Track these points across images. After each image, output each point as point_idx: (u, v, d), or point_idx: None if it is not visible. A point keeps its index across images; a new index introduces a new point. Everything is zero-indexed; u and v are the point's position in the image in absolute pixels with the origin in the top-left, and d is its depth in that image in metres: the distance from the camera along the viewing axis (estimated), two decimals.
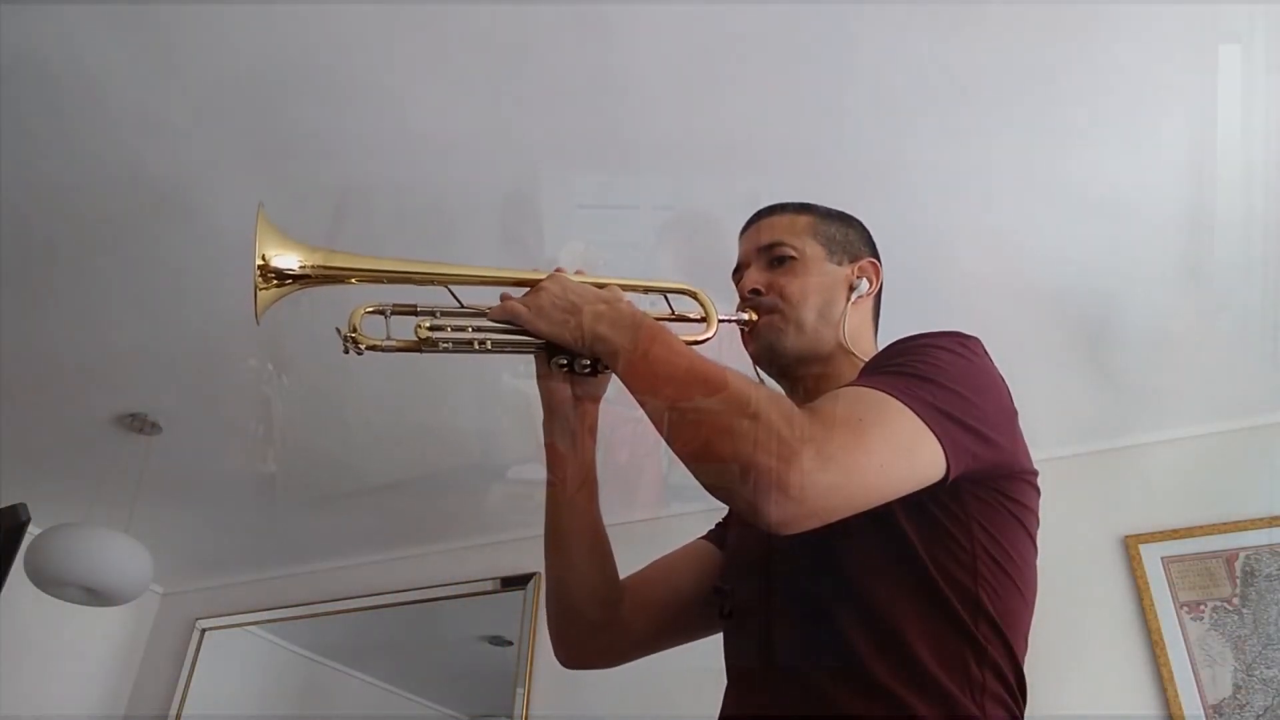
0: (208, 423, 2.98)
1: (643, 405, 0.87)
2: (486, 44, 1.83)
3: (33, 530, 2.69)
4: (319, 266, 1.02)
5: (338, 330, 1.01)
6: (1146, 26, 1.75)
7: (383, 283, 1.06)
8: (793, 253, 1.11)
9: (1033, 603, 0.93)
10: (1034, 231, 2.19)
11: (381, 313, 1.04)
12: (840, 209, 1.19)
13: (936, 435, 0.82)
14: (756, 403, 0.78)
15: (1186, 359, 2.54)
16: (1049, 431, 2.80)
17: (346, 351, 1.01)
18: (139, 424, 2.94)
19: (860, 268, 1.14)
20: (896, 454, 0.80)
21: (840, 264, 1.12)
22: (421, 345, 1.02)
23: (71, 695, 3.66)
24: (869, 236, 1.19)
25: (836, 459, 0.76)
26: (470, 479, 3.20)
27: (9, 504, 2.25)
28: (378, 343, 1.01)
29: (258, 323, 1.01)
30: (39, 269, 2.40)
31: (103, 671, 3.80)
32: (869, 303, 1.15)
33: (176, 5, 1.77)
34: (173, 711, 3.62)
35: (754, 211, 1.20)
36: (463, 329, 1.03)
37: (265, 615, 3.76)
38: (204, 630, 3.82)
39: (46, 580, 2.71)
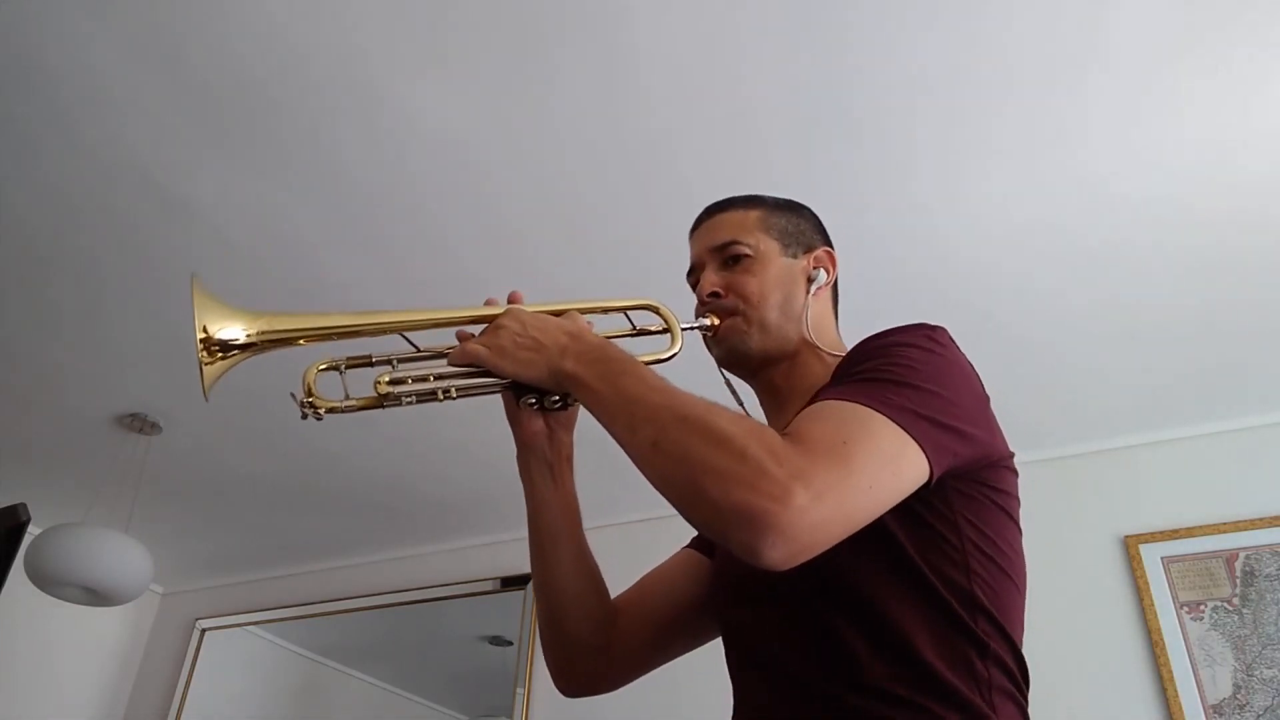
0: (208, 423, 2.98)
1: (620, 443, 0.85)
2: (491, 40, 1.83)
3: (33, 530, 2.69)
4: (264, 332, 0.99)
5: (293, 396, 0.98)
6: (1153, 25, 1.75)
7: (333, 339, 1.02)
8: (747, 250, 1.09)
9: (1024, 588, 0.93)
10: (1034, 228, 2.19)
11: (336, 369, 1.00)
12: (790, 198, 1.17)
13: (917, 441, 0.81)
14: (740, 438, 0.76)
15: (1186, 358, 2.54)
16: (1049, 431, 2.81)
17: (305, 418, 0.97)
18: (139, 424, 2.94)
19: (816, 258, 1.12)
20: (882, 469, 0.80)
21: (796, 257, 1.11)
22: (383, 401, 0.97)
23: (71, 695, 3.66)
24: (820, 224, 1.17)
25: (829, 490, 0.75)
26: (470, 479, 3.20)
27: (9, 504, 2.25)
28: (336, 404, 0.97)
29: (206, 399, 0.98)
30: (39, 269, 2.40)
31: (103, 671, 3.80)
32: (827, 292, 1.13)
33: (178, 5, 1.77)
34: (173, 712, 3.62)
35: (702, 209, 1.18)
36: (424, 378, 0.98)
37: (265, 615, 3.76)
38: (204, 630, 3.82)
39: (46, 580, 2.71)
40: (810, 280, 1.10)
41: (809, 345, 1.07)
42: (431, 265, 2.34)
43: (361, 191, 2.15)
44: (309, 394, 0.97)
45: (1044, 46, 1.80)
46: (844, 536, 0.78)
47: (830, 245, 1.15)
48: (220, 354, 0.97)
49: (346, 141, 2.04)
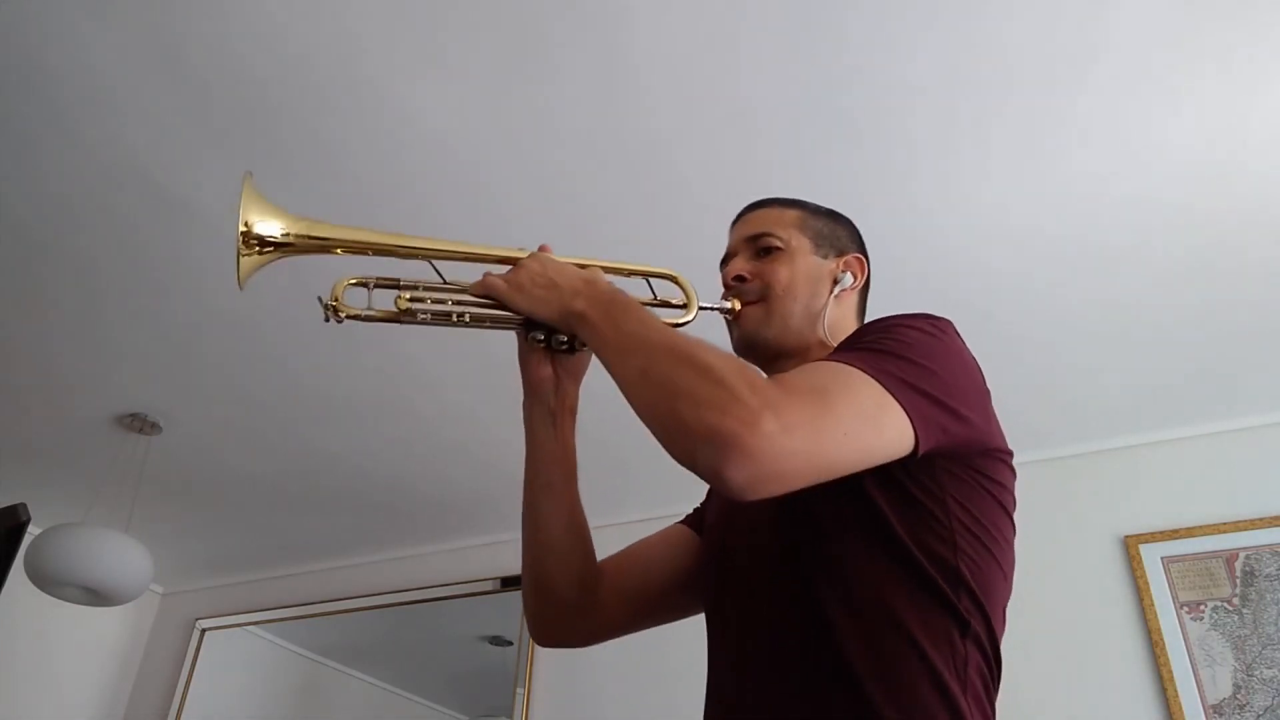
0: (208, 423, 2.98)
1: (613, 375, 0.88)
2: (489, 39, 1.83)
3: (33, 530, 2.70)
4: (303, 235, 1.03)
5: (320, 299, 1.02)
6: (1151, 26, 1.75)
7: (367, 254, 1.07)
8: (779, 243, 1.12)
9: (1011, 579, 0.94)
10: (1033, 228, 2.19)
11: (364, 285, 1.04)
12: (831, 208, 1.21)
13: (903, 407, 0.82)
14: (722, 369, 0.79)
15: (1186, 358, 2.54)
16: (1050, 431, 2.81)
17: (327, 320, 1.02)
18: (139, 424, 2.95)
19: (846, 262, 1.14)
20: (861, 423, 0.81)
21: (826, 258, 1.14)
22: (401, 316, 1.02)
23: (71, 695, 3.66)
24: (857, 234, 1.20)
25: (799, 424, 0.76)
26: (470, 479, 3.20)
27: (9, 504, 2.25)
28: (358, 312, 1.02)
29: (240, 288, 1.01)
30: (39, 269, 2.40)
31: (103, 671, 3.80)
32: (853, 297, 1.16)
33: (177, 6, 1.77)
34: (173, 712, 3.62)
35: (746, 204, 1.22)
36: (442, 302, 1.04)
37: (265, 615, 3.76)
38: (204, 630, 3.82)
39: (46, 580, 2.71)
40: (836, 282, 1.12)
41: (823, 345, 1.08)
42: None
43: (361, 192, 2.15)
44: (335, 299, 1.02)
45: (1043, 47, 1.80)
46: (814, 477, 0.79)
47: (864, 254, 1.18)
48: (258, 248, 1.01)
49: (346, 142, 2.04)
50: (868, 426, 0.81)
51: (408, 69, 1.88)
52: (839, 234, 1.17)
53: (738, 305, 1.10)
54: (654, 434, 0.81)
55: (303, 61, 1.87)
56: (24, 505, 2.25)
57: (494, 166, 2.09)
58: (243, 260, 0.99)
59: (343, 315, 1.01)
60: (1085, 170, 2.04)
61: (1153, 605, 2.57)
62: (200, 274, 2.39)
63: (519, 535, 1.11)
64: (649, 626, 1.16)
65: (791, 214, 1.16)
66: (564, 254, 1.09)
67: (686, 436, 0.77)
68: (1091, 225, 2.17)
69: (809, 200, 1.19)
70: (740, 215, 1.20)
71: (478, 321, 1.04)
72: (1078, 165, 2.03)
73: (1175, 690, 2.44)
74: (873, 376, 0.83)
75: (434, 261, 1.08)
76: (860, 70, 1.85)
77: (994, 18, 1.75)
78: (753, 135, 1.99)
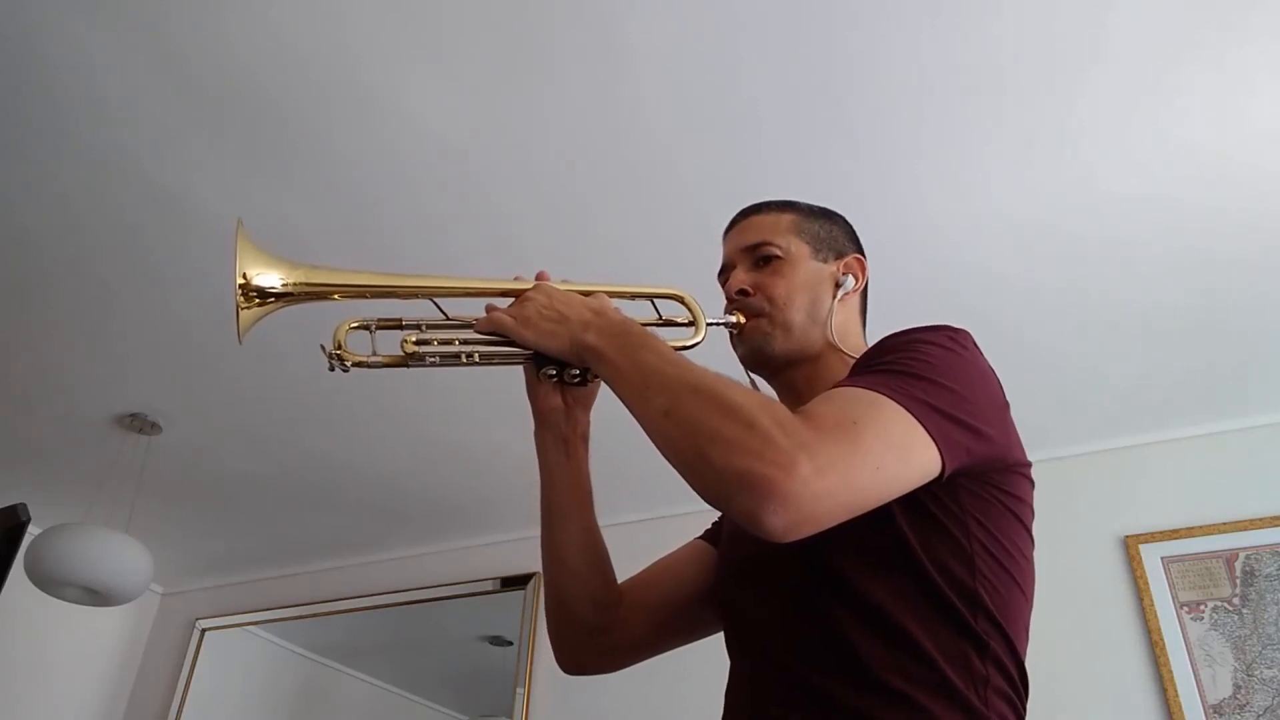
0: (208, 423, 2.98)
1: (634, 413, 0.87)
2: (486, 39, 1.84)
3: (33, 530, 2.69)
4: (301, 284, 1.02)
5: (322, 348, 1.00)
6: (1152, 25, 1.75)
7: (366, 297, 1.06)
8: (778, 252, 1.10)
9: (1031, 596, 0.93)
10: (1033, 228, 2.19)
11: (366, 328, 1.02)
12: (825, 206, 1.19)
13: (930, 432, 0.82)
14: (750, 409, 0.77)
15: (1187, 358, 2.54)
16: (1050, 431, 2.80)
17: (332, 369, 1.00)
18: (139, 424, 2.95)
19: (846, 264, 1.13)
20: (891, 454, 0.80)
21: (825, 261, 1.12)
22: (408, 360, 1.01)
23: (71, 695, 3.66)
24: (853, 232, 1.19)
25: (833, 465, 0.75)
26: (470, 479, 3.20)
27: (9, 504, 2.25)
28: (364, 359, 1.00)
29: (240, 342, 1.00)
30: (39, 269, 2.40)
31: (103, 671, 3.80)
32: (856, 299, 1.14)
33: (177, 6, 1.77)
34: (173, 712, 3.62)
35: (738, 210, 1.20)
36: (449, 342, 1.02)
37: (265, 615, 3.76)
38: (204, 630, 3.82)
39: (46, 580, 2.71)
40: (838, 285, 1.11)
41: (833, 348, 1.08)
42: (429, 267, 2.34)
43: (361, 193, 2.15)
44: (338, 347, 1.00)
45: (1042, 47, 1.80)
46: (848, 514, 0.78)
47: (862, 253, 1.16)
48: (257, 300, 1.00)
49: (346, 143, 2.04)
50: (897, 458, 0.80)
51: (407, 71, 1.88)
52: (836, 235, 1.15)
53: (742, 319, 1.09)
54: (682, 475, 0.79)
55: (301, 63, 1.87)
56: (24, 505, 2.25)
57: (493, 168, 2.08)
58: (242, 314, 0.98)
59: (348, 363, 1.00)
60: (1085, 169, 2.04)
61: (1153, 605, 2.57)
62: (200, 274, 2.39)
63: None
64: (673, 645, 1.16)
65: (787, 218, 1.13)
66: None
67: (719, 481, 0.76)
68: (1091, 225, 2.16)
69: (802, 200, 1.18)
70: (734, 222, 1.18)
71: (486, 359, 1.02)
72: (1078, 165, 2.03)
73: (1175, 690, 2.44)
74: (899, 403, 0.82)
75: (435, 300, 1.06)
76: (860, 71, 1.85)
77: (994, 18, 1.75)
78: (752, 136, 1.99)
